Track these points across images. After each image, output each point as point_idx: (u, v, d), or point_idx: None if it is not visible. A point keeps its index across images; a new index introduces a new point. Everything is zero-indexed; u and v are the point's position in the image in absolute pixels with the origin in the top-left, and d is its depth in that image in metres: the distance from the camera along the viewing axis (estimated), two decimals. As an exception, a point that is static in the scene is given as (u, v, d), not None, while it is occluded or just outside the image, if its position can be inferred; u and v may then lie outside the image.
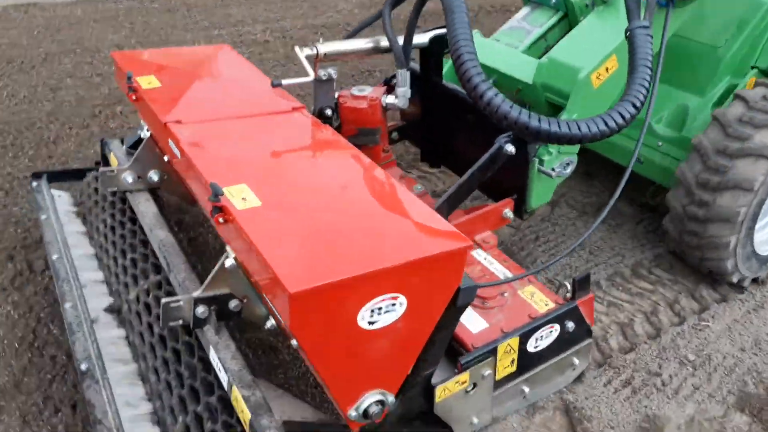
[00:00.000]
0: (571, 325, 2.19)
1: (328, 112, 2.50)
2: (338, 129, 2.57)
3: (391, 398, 1.80)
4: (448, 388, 1.99)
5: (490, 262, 2.40)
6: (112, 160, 2.78)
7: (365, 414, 1.76)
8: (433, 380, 1.97)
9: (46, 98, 4.45)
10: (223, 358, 1.87)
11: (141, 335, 2.15)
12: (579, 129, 1.98)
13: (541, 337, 2.15)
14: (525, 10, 3.17)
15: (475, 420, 2.14)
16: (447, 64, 3.00)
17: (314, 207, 1.77)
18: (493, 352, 2.04)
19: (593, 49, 2.54)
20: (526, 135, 2.02)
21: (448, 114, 2.79)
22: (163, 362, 2.03)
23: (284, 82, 2.24)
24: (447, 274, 1.68)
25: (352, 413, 1.75)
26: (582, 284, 2.18)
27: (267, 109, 2.32)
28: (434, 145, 2.95)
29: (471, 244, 1.68)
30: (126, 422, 1.86)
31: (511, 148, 2.33)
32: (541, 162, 2.45)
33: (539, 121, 1.97)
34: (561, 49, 2.64)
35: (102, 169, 2.59)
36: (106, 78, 4.81)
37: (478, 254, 2.44)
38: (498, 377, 2.11)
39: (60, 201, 2.89)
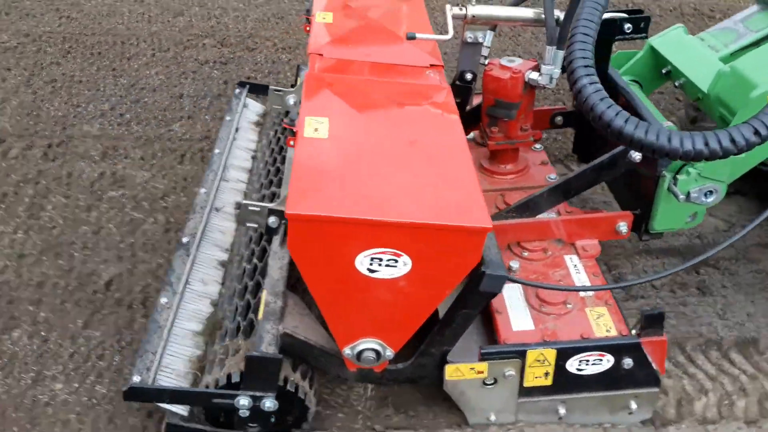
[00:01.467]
0: (629, 362, 1.95)
1: (469, 76, 2.48)
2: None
3: (389, 352, 1.85)
4: (460, 370, 1.95)
5: (577, 270, 2.23)
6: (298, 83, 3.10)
7: (359, 357, 1.83)
8: (450, 357, 1.95)
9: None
10: (271, 265, 2.07)
11: (245, 231, 2.45)
12: (669, 141, 1.70)
13: (588, 361, 1.96)
14: (750, 10, 2.68)
15: (493, 417, 2.07)
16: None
17: (369, 153, 1.84)
18: (521, 355, 1.93)
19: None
20: (608, 134, 1.80)
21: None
22: (241, 258, 2.31)
23: (418, 36, 2.28)
24: (458, 249, 1.65)
25: (347, 351, 1.84)
26: (651, 321, 1.91)
27: (402, 61, 2.38)
28: (588, 138, 2.73)
29: (489, 228, 1.61)
30: (189, 293, 2.18)
31: (636, 155, 2.09)
32: (675, 181, 2.14)
33: (625, 121, 1.73)
34: (748, 59, 2.23)
35: (272, 88, 2.93)
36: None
37: (571, 259, 2.27)
38: (527, 384, 1.99)
39: (248, 110, 3.32)
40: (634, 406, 2.07)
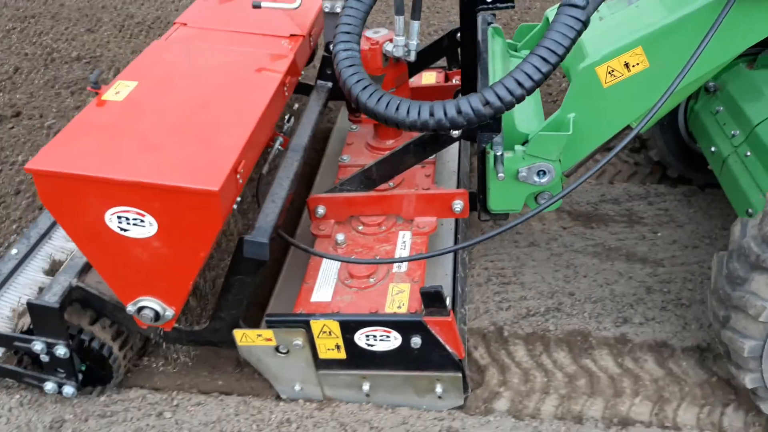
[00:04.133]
0: (417, 341, 1.89)
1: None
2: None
3: (170, 312, 1.90)
4: (248, 336, 1.98)
5: (403, 247, 2.16)
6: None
7: (139, 314, 1.91)
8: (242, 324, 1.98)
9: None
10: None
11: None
12: (396, 110, 1.62)
13: (375, 336, 1.91)
14: None
15: (298, 387, 2.08)
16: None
17: (150, 115, 1.90)
18: (306, 325, 1.92)
19: (619, 34, 1.93)
20: (347, 97, 1.73)
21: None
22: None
23: (263, 4, 2.29)
24: (192, 210, 1.67)
25: (130, 308, 1.91)
26: (430, 299, 1.83)
27: (264, 30, 2.41)
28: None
29: (215, 192, 1.62)
30: (47, 247, 2.31)
31: (456, 131, 1.99)
32: (501, 159, 2.03)
33: (364, 89, 1.66)
34: (595, 29, 2.05)
35: None
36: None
37: (402, 235, 2.21)
38: (322, 356, 1.98)
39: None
40: (439, 389, 2.00)
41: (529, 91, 1.62)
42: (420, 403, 2.05)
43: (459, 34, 2.63)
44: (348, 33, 1.78)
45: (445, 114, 1.61)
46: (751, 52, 2.60)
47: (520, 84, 1.59)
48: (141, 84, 2.00)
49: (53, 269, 2.25)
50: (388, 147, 2.60)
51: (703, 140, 2.59)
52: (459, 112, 1.61)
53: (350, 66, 1.72)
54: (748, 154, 2.30)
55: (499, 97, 1.59)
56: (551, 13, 2.54)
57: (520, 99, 1.62)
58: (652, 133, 2.88)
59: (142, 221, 1.70)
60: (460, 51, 2.58)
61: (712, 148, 2.47)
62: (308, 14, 2.53)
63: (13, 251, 2.25)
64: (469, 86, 2.55)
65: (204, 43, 2.33)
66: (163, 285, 1.85)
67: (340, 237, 2.18)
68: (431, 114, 1.62)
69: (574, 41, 1.59)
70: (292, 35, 2.40)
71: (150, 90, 1.99)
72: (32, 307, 1.91)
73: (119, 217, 1.71)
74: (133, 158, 1.72)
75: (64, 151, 1.73)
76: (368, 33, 2.44)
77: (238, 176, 1.76)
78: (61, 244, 2.35)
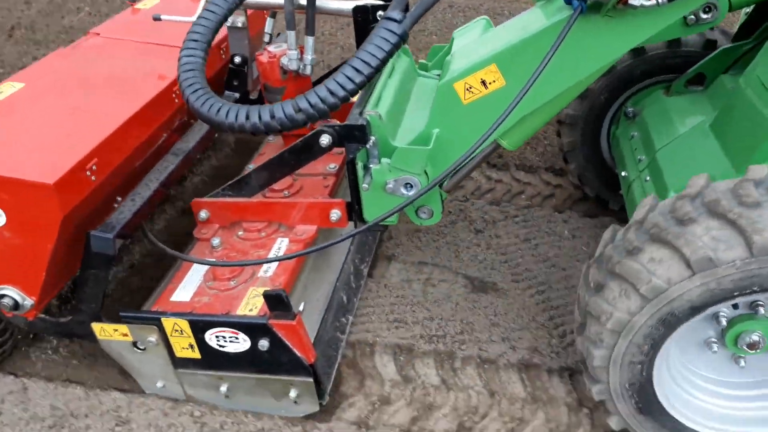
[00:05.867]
0: (264, 343, 1.91)
1: (237, 59, 2.53)
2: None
3: (29, 301, 1.97)
4: (105, 330, 2.02)
5: (277, 252, 2.19)
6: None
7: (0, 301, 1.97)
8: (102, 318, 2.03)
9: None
10: None
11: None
12: (216, 113, 1.66)
13: (225, 337, 1.94)
14: None
15: (160, 384, 2.11)
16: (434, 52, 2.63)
17: (19, 113, 1.99)
18: (157, 322, 1.95)
19: (478, 52, 1.95)
20: (184, 100, 1.79)
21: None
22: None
23: (163, 17, 2.38)
24: (35, 204, 1.75)
25: (-10, 295, 1.98)
26: (273, 303, 1.85)
27: (171, 42, 2.50)
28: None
29: (49, 185, 1.69)
30: None
31: (326, 140, 2.03)
32: (368, 171, 2.05)
33: (194, 92, 1.72)
34: (468, 45, 2.07)
35: None
36: None
37: (279, 242, 2.23)
38: (178, 355, 2.01)
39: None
40: (293, 394, 2.01)
41: (342, 100, 1.65)
42: (278, 407, 2.06)
43: None
44: (195, 41, 1.85)
45: (260, 118, 1.65)
46: (668, 78, 2.61)
47: (332, 93, 1.63)
48: (27, 86, 2.10)
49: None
50: (294, 158, 2.65)
51: (619, 165, 2.57)
52: (272, 117, 1.65)
53: (187, 71, 1.78)
54: (648, 179, 2.28)
55: (311, 105, 1.63)
56: (456, 33, 2.58)
57: (333, 107, 1.66)
58: (573, 151, 2.85)
59: (-14, 211, 1.78)
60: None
61: (623, 173, 2.45)
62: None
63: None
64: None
65: (108, 51, 2.43)
66: (18, 274, 1.92)
67: (216, 241, 2.22)
68: (247, 117, 1.66)
69: (389, 53, 1.63)
70: (195, 45, 2.48)
71: (32, 93, 2.09)
72: None
73: (-34, 207, 1.79)
74: (-11, 151, 1.80)
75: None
76: (270, 47, 2.51)
77: (89, 173, 1.83)
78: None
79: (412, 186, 2.04)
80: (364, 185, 2.03)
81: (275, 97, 2.51)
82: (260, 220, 2.30)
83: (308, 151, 2.14)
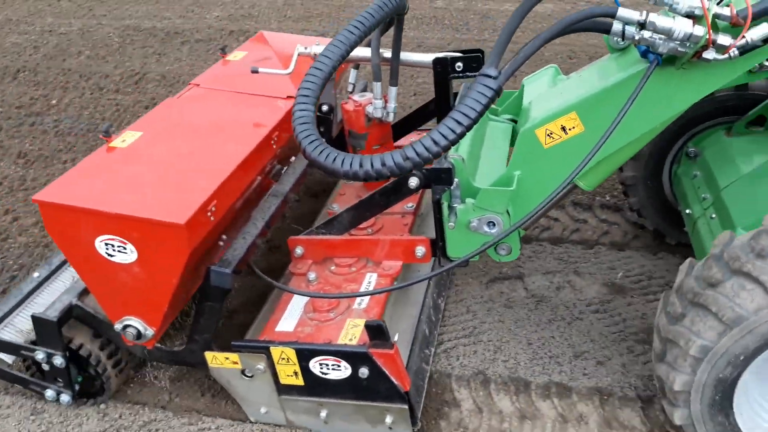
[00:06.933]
0: (364, 371, 2.06)
1: (324, 108, 2.75)
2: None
3: (150, 332, 2.16)
4: (217, 358, 2.20)
5: (368, 286, 2.36)
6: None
7: (124, 331, 2.17)
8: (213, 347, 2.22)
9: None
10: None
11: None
12: (332, 161, 1.85)
13: (327, 365, 2.10)
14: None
15: (263, 410, 2.28)
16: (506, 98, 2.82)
17: (143, 160, 2.21)
18: (266, 351, 2.13)
19: (558, 100, 2.12)
20: (301, 151, 1.98)
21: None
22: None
23: (261, 70, 2.62)
24: (163, 240, 1.95)
25: (117, 326, 2.19)
26: (373, 333, 2.02)
27: (265, 92, 2.74)
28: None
29: (181, 225, 1.89)
30: (66, 273, 2.64)
31: (414, 182, 2.22)
32: (453, 211, 2.22)
33: (311, 143, 1.91)
34: (545, 93, 2.24)
35: None
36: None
37: (369, 276, 2.41)
38: (283, 382, 2.18)
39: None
40: (388, 420, 2.15)
41: (445, 149, 1.82)
42: (372, 432, 2.21)
43: None
44: (305, 96, 2.06)
45: (372, 166, 1.84)
46: (729, 120, 2.74)
47: (436, 143, 1.80)
48: (145, 134, 2.34)
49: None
50: (372, 197, 2.84)
51: (682, 202, 2.70)
52: (383, 165, 1.83)
53: (302, 123, 1.98)
54: (713, 216, 2.40)
55: (417, 153, 1.81)
56: (526, 80, 2.77)
57: (436, 155, 1.83)
58: (635, 186, 2.98)
59: (124, 248, 1.99)
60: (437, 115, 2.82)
61: (687, 210, 2.58)
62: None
63: (35, 274, 2.59)
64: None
65: (210, 101, 2.68)
66: (143, 306, 2.12)
67: (312, 275, 2.41)
68: (361, 165, 1.85)
69: (486, 106, 1.80)
70: (288, 96, 2.71)
71: (151, 140, 2.32)
72: (35, 320, 2.22)
73: (106, 244, 2.00)
74: (121, 194, 2.02)
75: (67, 186, 2.06)
76: (355, 96, 2.73)
77: (209, 214, 2.03)
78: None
79: (494, 224, 2.21)
80: (450, 224, 2.20)
81: (360, 143, 2.72)
82: (350, 256, 2.48)
83: (397, 192, 2.33)
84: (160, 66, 5.34)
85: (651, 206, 2.95)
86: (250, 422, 2.32)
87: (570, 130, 2.09)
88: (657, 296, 2.76)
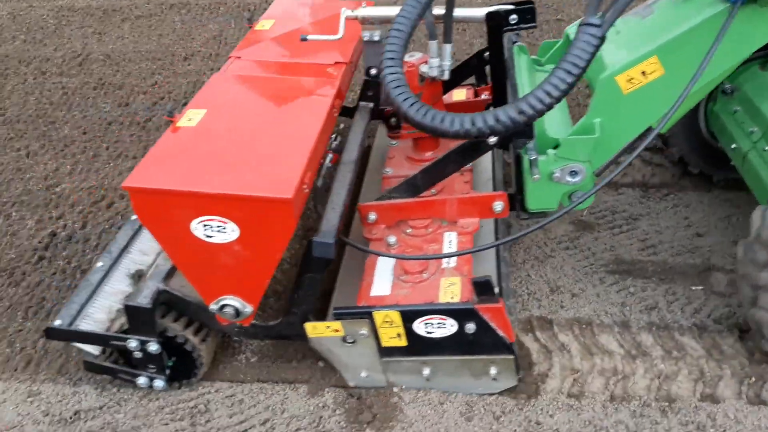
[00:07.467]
0: (471, 327, 2.11)
1: (373, 71, 2.71)
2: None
3: (249, 309, 2.15)
4: (317, 328, 2.21)
5: (450, 246, 2.39)
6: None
7: (222, 311, 2.15)
8: (311, 318, 2.22)
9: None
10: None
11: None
12: (441, 122, 1.86)
13: (432, 324, 2.14)
14: None
15: (364, 374, 2.30)
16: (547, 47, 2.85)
17: (221, 137, 2.15)
18: (369, 315, 2.14)
19: (634, 45, 2.16)
20: (398, 114, 1.98)
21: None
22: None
23: (310, 37, 2.57)
24: (269, 216, 1.91)
25: (213, 307, 2.16)
26: (481, 288, 2.06)
27: (310, 60, 2.68)
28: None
29: (290, 199, 1.86)
30: (126, 260, 2.56)
31: (492, 138, 2.23)
32: (536, 162, 2.26)
33: (411, 106, 1.91)
34: (614, 40, 2.28)
35: None
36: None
37: (448, 235, 2.43)
38: (384, 344, 2.20)
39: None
40: (493, 371, 2.21)
41: (557, 100, 1.84)
42: (476, 385, 2.26)
43: (486, 54, 2.89)
44: (392, 59, 2.03)
45: (485, 122, 1.84)
46: (763, 54, 2.84)
47: (548, 94, 1.82)
48: (209, 112, 2.27)
49: (134, 279, 2.52)
50: (427, 158, 2.85)
51: (723, 138, 2.80)
52: (497, 120, 1.84)
53: (397, 87, 1.96)
54: (766, 148, 2.51)
55: (531, 106, 1.82)
56: (571, 30, 2.79)
57: (549, 107, 1.85)
58: (673, 134, 3.08)
59: (224, 228, 1.95)
60: (489, 69, 2.82)
61: (733, 145, 2.67)
62: (349, 43, 2.80)
63: (99, 264, 2.51)
64: (499, 100, 2.80)
65: (260, 73, 2.61)
66: (242, 284, 2.10)
67: (392, 239, 2.42)
68: (473, 123, 1.85)
69: (593, 55, 1.82)
70: (336, 62, 2.67)
71: (218, 116, 2.25)
72: (128, 309, 2.17)
73: (204, 225, 1.96)
74: (214, 174, 1.97)
75: (152, 170, 1.99)
76: (405, 57, 2.70)
77: (305, 187, 2.01)
78: (138, 258, 2.61)
79: (577, 173, 2.26)
80: (535, 176, 2.24)
81: (413, 103, 2.70)
82: (423, 217, 2.49)
83: (476, 150, 2.35)
84: (102, 45, 5.14)
85: (692, 151, 3.07)
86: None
87: (650, 74, 2.14)
88: (622, 229, 2.98)
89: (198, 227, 1.96)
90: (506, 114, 1.83)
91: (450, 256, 2.27)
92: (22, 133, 4.09)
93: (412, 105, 1.92)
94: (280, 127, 2.22)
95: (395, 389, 2.31)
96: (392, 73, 1.99)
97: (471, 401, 2.25)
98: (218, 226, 1.95)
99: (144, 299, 2.17)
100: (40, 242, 3.22)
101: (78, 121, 4.18)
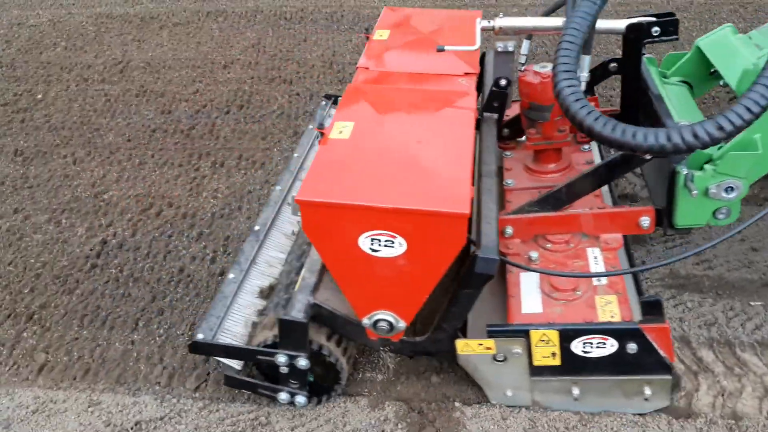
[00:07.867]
0: (633, 347, 2.05)
1: (503, 82, 2.65)
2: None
3: (402, 324, 2.11)
4: (469, 345, 2.16)
5: (596, 262, 2.33)
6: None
7: (375, 326, 2.12)
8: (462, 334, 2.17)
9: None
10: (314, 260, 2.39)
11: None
12: (633, 137, 1.79)
13: (591, 344, 2.08)
14: None
15: (509, 393, 2.25)
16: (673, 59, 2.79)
17: (379, 150, 2.12)
18: (525, 334, 2.09)
19: None
20: (579, 128, 1.92)
21: (639, 108, 2.63)
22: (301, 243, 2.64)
23: (447, 48, 2.52)
24: (442, 231, 1.88)
25: (365, 321, 2.13)
26: (649, 308, 2.00)
27: (438, 70, 2.64)
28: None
29: (466, 213, 1.83)
30: (254, 271, 2.55)
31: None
32: (691, 177, 2.20)
33: (597, 120, 1.85)
34: (746, 56, 2.22)
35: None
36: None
37: (592, 251, 2.38)
38: (537, 363, 2.15)
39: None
40: (648, 392, 2.15)
41: (757, 116, 1.77)
42: (627, 405, 2.20)
43: (612, 65, 2.83)
44: (568, 71, 1.98)
45: (682, 138, 1.78)
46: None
47: (749, 110, 1.75)
48: (358, 124, 2.24)
49: (263, 292, 2.49)
50: (549, 170, 2.79)
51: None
52: (696, 136, 1.77)
53: (577, 100, 1.91)
54: None
55: (731, 122, 1.76)
56: (701, 42, 2.73)
57: (748, 124, 1.77)
58: None
59: (392, 242, 1.92)
60: (621, 80, 2.76)
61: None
62: (475, 53, 2.75)
63: (231, 275, 2.49)
64: (629, 113, 2.74)
65: (394, 84, 2.57)
66: (400, 299, 2.07)
67: (534, 254, 2.37)
68: (668, 139, 1.78)
69: None
70: (466, 73, 2.63)
71: (368, 129, 2.22)
72: (282, 323, 2.13)
73: (372, 239, 1.93)
74: (383, 188, 1.94)
75: (321, 184, 1.97)
76: (535, 67, 2.65)
77: (471, 201, 1.97)
78: (265, 270, 2.59)
79: (733, 189, 2.20)
80: (694, 192, 2.18)
81: (544, 115, 2.65)
82: (562, 232, 2.44)
83: (627, 164, 2.30)
84: (142, 53, 5.14)
85: None
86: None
87: None
88: (675, 243, 2.88)
89: (365, 241, 1.93)
90: (705, 131, 1.76)
91: (625, 273, 2.24)
92: (68, 140, 4.10)
93: (597, 119, 1.86)
94: (434, 138, 2.18)
95: (457, 404, 2.28)
96: (570, 86, 1.93)
97: (534, 417, 2.22)
98: (387, 240, 1.92)
99: (298, 313, 2.14)
100: (91, 250, 3.21)
101: (122, 128, 4.19)
